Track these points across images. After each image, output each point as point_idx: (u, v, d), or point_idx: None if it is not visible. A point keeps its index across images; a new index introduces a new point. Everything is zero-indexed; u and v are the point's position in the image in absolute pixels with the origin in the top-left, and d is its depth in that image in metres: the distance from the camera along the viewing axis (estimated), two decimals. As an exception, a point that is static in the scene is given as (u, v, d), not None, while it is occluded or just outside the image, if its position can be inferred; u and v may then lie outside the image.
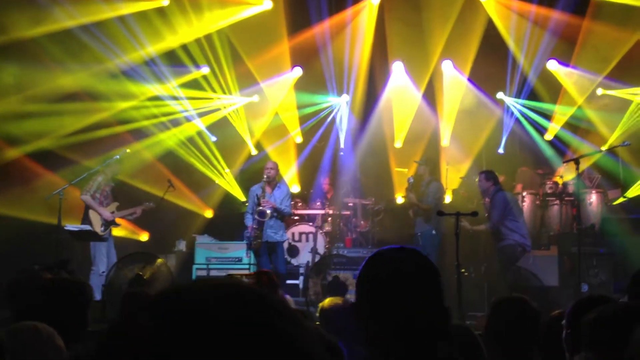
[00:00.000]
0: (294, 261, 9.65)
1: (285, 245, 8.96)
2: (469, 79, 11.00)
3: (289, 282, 8.89)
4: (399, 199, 10.74)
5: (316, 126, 11.51)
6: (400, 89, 11.32)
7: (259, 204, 8.22)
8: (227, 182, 11.04)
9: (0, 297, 3.41)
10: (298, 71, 11.26)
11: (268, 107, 11.33)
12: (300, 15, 10.68)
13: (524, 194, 9.57)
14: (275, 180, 8.45)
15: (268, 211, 8.18)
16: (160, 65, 10.31)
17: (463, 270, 6.62)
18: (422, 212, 8.53)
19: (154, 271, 7.67)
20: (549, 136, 11.06)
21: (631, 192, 9.77)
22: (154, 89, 10.38)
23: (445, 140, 11.27)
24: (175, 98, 10.64)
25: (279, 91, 11.26)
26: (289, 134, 11.39)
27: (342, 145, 11.35)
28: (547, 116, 11.09)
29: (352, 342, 2.91)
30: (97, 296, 7.18)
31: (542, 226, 9.58)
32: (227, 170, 11.07)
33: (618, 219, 9.08)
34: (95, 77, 9.72)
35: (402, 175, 10.20)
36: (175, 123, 10.79)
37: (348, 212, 10.31)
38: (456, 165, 10.66)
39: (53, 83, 9.26)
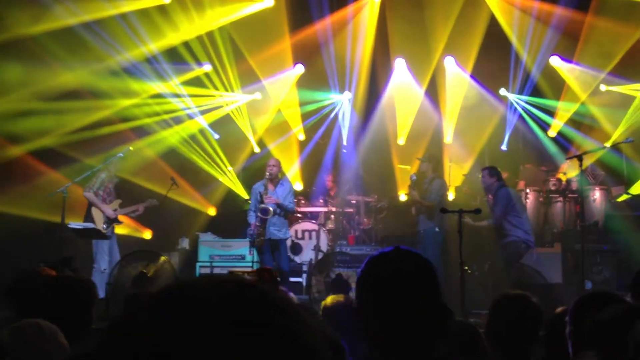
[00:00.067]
0: (297, 259, 9.65)
1: (288, 242, 8.96)
2: (472, 76, 10.98)
3: (292, 279, 8.89)
4: (402, 196, 10.73)
5: (318, 123, 11.50)
6: (403, 86, 11.31)
7: (261, 202, 8.22)
8: (230, 180, 11.05)
9: (3, 295, 3.41)
10: (300, 68, 11.25)
11: (270, 104, 11.32)
12: (301, 12, 10.67)
13: (527, 190, 9.55)
14: (277, 178, 8.45)
15: (270, 209, 8.18)
16: (162, 63, 10.32)
17: (466, 267, 6.61)
18: (425, 209, 8.51)
19: (157, 269, 7.68)
20: (552, 133, 11.04)
21: (635, 189, 9.74)
22: (156, 86, 10.39)
23: (448, 137, 11.25)
24: (177, 96, 10.65)
25: (281, 88, 11.26)
26: (292, 131, 11.38)
27: (344, 143, 11.34)
28: (550, 112, 11.07)
29: (355, 340, 2.91)
30: (100, 294, 7.19)
31: (545, 223, 9.57)
32: (230, 168, 11.07)
33: (622, 215, 9.06)
34: (97, 74, 9.72)
35: (404, 173, 10.19)
36: (178, 121, 10.80)
37: (351, 210, 10.30)
38: (459, 162, 10.65)
39: (55, 81, 9.27)
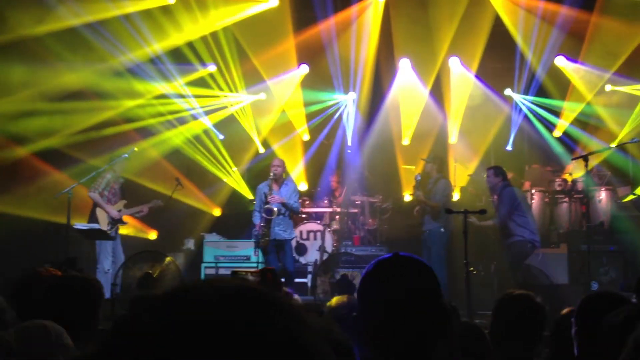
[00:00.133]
0: (302, 259, 9.65)
1: (293, 243, 8.95)
2: (477, 76, 10.96)
3: (297, 280, 8.89)
4: (407, 197, 10.72)
5: (323, 124, 11.50)
6: (407, 86, 11.29)
7: (266, 202, 8.22)
8: (235, 181, 11.06)
9: (8, 296, 3.42)
10: (304, 69, 11.25)
11: (275, 104, 11.33)
12: (305, 12, 10.67)
13: (533, 191, 9.53)
14: (282, 178, 8.45)
15: (275, 209, 8.18)
16: (166, 64, 10.34)
17: (472, 268, 6.60)
18: (430, 209, 8.50)
19: (162, 269, 7.70)
20: (557, 133, 11.01)
21: (641, 189, 9.71)
22: (160, 87, 10.41)
23: (453, 137, 11.23)
24: (182, 96, 10.66)
25: (286, 89, 11.26)
26: (296, 131, 11.39)
27: (349, 143, 11.33)
28: (556, 113, 11.04)
29: (360, 341, 2.90)
30: (105, 294, 7.20)
31: (551, 224, 9.54)
32: (235, 168, 11.08)
33: (628, 216, 9.03)
34: (101, 75, 9.75)
35: (409, 173, 10.17)
36: (182, 121, 10.82)
37: (356, 210, 10.29)
38: (464, 162, 10.63)
39: (59, 82, 9.30)
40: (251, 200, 9.68)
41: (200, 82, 10.84)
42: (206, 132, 11.04)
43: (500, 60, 10.88)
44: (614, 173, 9.97)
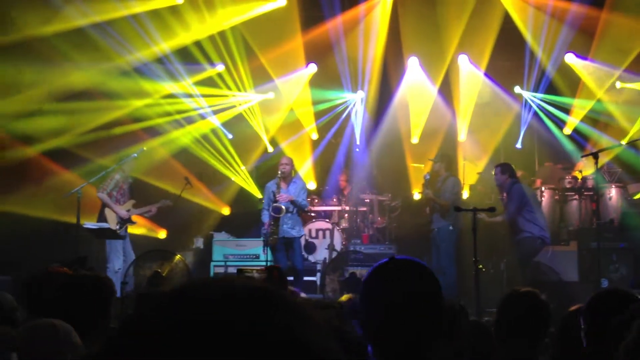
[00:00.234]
0: (311, 258, 9.66)
1: (302, 241, 8.96)
2: (486, 74, 10.91)
3: (306, 278, 8.89)
4: (416, 195, 10.70)
5: (331, 122, 11.50)
6: (416, 84, 11.26)
7: (275, 200, 8.23)
8: (244, 179, 11.08)
9: (19, 295, 3.44)
10: (313, 67, 11.25)
11: (283, 103, 11.34)
12: (313, 11, 10.66)
13: (543, 188, 9.48)
14: (290, 176, 8.45)
15: (283, 207, 8.19)
16: (174, 63, 10.37)
17: (481, 266, 6.57)
18: (439, 207, 8.48)
19: (171, 268, 7.73)
20: (567, 130, 10.95)
21: (652, 186, 9.64)
22: (168, 86, 10.44)
23: (462, 135, 11.20)
24: (190, 96, 10.69)
25: (294, 87, 11.26)
26: (304, 129, 11.39)
27: (357, 142, 11.32)
28: (566, 110, 10.98)
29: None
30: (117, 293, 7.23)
31: (561, 221, 9.49)
32: (243, 167, 11.10)
33: (638, 213, 8.97)
34: (109, 75, 9.79)
35: (418, 171, 10.15)
36: (191, 121, 10.84)
37: (365, 208, 10.28)
38: (473, 160, 10.59)
39: (67, 81, 9.34)
40: (260, 199, 9.69)
41: (209, 82, 10.87)
42: (214, 131, 11.06)
43: (509, 57, 10.83)
44: (625, 170, 9.90)
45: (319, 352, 0.72)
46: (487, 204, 8.42)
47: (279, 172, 8.34)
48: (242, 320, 0.71)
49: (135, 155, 8.66)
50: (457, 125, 11.21)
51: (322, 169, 11.30)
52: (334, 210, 10.25)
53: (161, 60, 10.26)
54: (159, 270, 7.57)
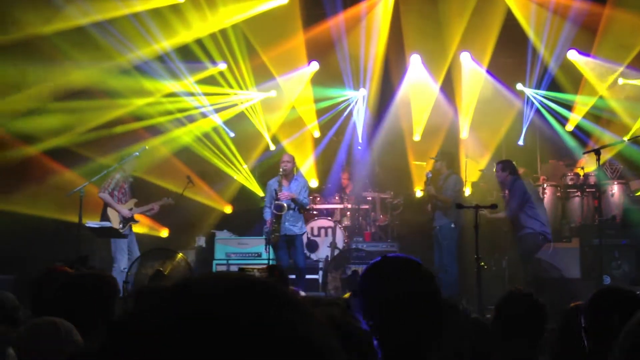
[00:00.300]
0: (313, 256, 9.66)
1: (304, 238, 8.95)
2: (488, 71, 10.89)
3: (308, 276, 8.88)
4: (418, 193, 10.69)
5: (333, 120, 11.49)
6: (418, 82, 11.25)
7: (276, 198, 8.22)
8: (246, 178, 11.08)
9: (21, 294, 3.45)
10: (315, 65, 11.24)
11: (285, 101, 11.33)
12: (315, 9, 10.65)
13: (545, 185, 9.47)
14: (292, 173, 8.45)
15: (285, 205, 8.18)
16: (176, 62, 10.36)
17: (482, 263, 6.57)
18: (441, 205, 8.47)
19: (173, 267, 7.73)
20: (570, 127, 10.94)
21: (655, 183, 9.62)
22: (170, 85, 10.44)
23: (464, 132, 11.19)
24: (192, 94, 10.69)
25: (296, 85, 11.25)
26: (306, 127, 11.39)
27: (359, 139, 11.32)
28: (568, 106, 10.96)
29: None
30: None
31: (563, 218, 9.49)
32: (245, 165, 11.11)
33: (640, 209, 8.96)
34: (110, 74, 9.79)
35: (420, 169, 10.14)
36: (192, 119, 10.85)
37: (367, 206, 10.28)
38: (475, 157, 10.58)
39: (68, 80, 9.35)
40: (262, 198, 9.70)
41: (210, 80, 10.87)
42: (216, 129, 11.07)
43: (511, 54, 10.81)
44: (627, 166, 9.89)
45: (319, 348, 0.72)
46: (489, 201, 8.40)
47: (281, 170, 8.33)
48: (249, 315, 0.70)
49: (137, 154, 8.65)
50: (459, 122, 11.20)
51: (324, 167, 11.30)
52: (336, 208, 10.25)
53: (162, 59, 10.26)
54: (161, 269, 7.57)
